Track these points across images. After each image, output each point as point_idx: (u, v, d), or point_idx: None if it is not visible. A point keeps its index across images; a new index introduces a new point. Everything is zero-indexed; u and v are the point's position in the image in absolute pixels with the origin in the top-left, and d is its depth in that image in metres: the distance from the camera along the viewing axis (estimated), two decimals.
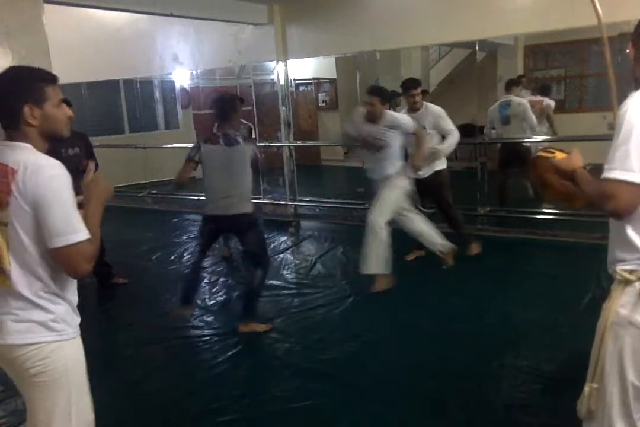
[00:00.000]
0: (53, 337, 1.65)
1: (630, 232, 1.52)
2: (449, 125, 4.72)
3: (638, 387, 1.56)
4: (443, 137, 4.77)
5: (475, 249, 4.95)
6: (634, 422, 1.57)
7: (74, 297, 1.74)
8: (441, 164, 4.84)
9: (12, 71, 1.71)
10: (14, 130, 1.63)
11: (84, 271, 1.62)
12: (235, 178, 3.59)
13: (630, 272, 1.53)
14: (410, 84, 4.83)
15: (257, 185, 6.95)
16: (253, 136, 5.59)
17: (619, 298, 1.56)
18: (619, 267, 1.56)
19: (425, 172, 4.73)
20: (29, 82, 1.63)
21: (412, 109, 4.82)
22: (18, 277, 1.61)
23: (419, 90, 4.81)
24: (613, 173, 1.45)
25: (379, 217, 4.15)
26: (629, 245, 1.53)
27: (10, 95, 1.62)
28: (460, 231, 4.98)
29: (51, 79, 1.66)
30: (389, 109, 7.55)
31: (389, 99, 4.81)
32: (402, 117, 4.38)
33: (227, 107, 3.71)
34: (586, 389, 1.63)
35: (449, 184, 4.95)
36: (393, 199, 4.25)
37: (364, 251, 4.21)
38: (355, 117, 4.46)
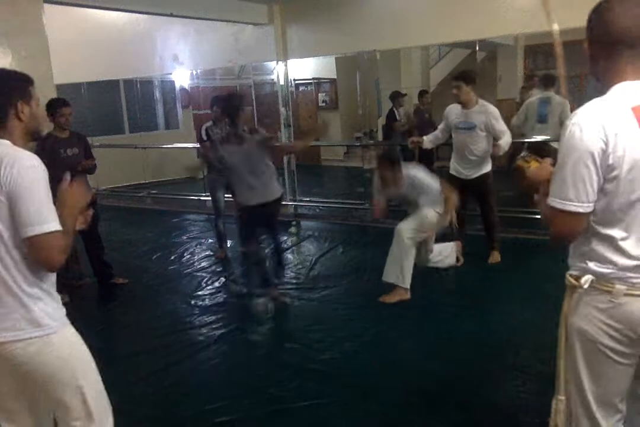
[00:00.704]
0: (38, 332, 1.66)
1: (577, 243, 1.53)
2: (503, 127, 4.58)
3: (598, 395, 1.54)
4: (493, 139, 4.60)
5: (496, 257, 4.91)
6: None
7: (54, 289, 1.75)
8: (487, 167, 4.75)
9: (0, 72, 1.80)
10: (1, 127, 1.69)
11: (56, 262, 1.63)
12: (258, 170, 3.93)
13: (576, 278, 1.53)
14: (457, 75, 4.66)
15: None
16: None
17: (568, 305, 1.56)
18: (568, 272, 1.56)
19: (472, 173, 4.71)
20: (18, 81, 1.76)
21: (464, 104, 4.62)
22: (1, 271, 1.63)
23: (461, 83, 4.54)
24: (552, 200, 1.45)
25: (407, 228, 4.04)
26: (575, 254, 1.54)
27: (3, 93, 1.71)
28: (492, 237, 4.94)
29: (32, 81, 1.79)
30: (394, 108, 7.61)
31: (474, 80, 4.60)
32: (423, 177, 4.13)
33: (233, 106, 3.87)
34: (553, 402, 1.62)
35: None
36: (424, 221, 4.10)
37: (387, 259, 4.12)
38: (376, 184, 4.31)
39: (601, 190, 1.41)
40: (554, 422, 1.61)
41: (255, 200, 3.99)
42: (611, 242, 1.46)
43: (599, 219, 1.46)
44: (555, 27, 1.98)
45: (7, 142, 1.68)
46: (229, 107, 3.96)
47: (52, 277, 1.75)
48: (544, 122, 5.83)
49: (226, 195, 5.51)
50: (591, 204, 1.42)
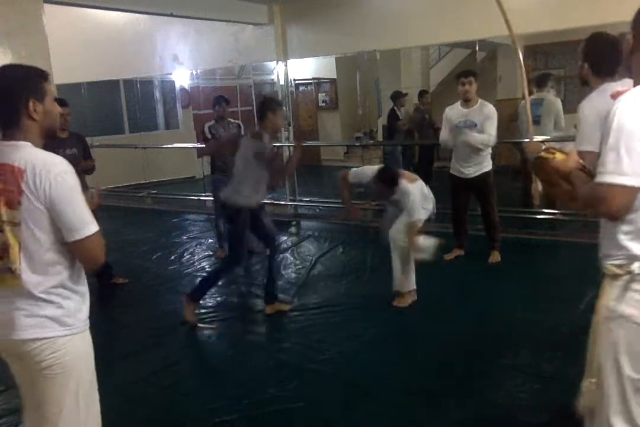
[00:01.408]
0: (64, 331, 1.68)
1: (619, 231, 1.55)
2: (492, 130, 4.59)
3: (635, 380, 1.56)
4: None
5: (497, 257, 4.90)
6: (633, 417, 1.57)
7: (85, 287, 1.79)
8: (488, 166, 4.75)
9: (11, 68, 1.73)
10: (15, 128, 1.65)
11: (101, 260, 1.71)
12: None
13: (619, 266, 1.56)
14: (465, 72, 4.69)
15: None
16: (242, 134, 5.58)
17: (609, 292, 1.59)
18: (608, 262, 1.59)
19: (472, 172, 4.71)
20: (31, 78, 1.68)
21: (468, 102, 4.66)
22: (29, 277, 1.64)
23: (472, 78, 4.58)
24: (605, 177, 1.48)
25: (400, 235, 3.95)
26: (617, 242, 1.56)
27: (14, 91, 1.65)
28: (493, 236, 4.94)
29: (46, 75, 1.72)
30: (396, 108, 7.61)
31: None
32: (414, 200, 3.90)
33: (261, 108, 3.84)
34: (584, 384, 1.64)
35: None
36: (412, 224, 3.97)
37: (393, 268, 4.01)
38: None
39: None
40: (585, 403, 1.64)
41: (255, 201, 3.94)
42: None
43: None
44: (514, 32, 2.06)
45: (27, 144, 1.65)
46: (260, 109, 3.84)
47: (83, 278, 1.78)
48: (537, 124, 5.81)
49: None
50: None
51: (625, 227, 1.54)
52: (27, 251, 1.63)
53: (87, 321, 1.79)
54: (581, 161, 1.73)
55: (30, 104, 1.64)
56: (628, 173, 1.45)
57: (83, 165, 4.41)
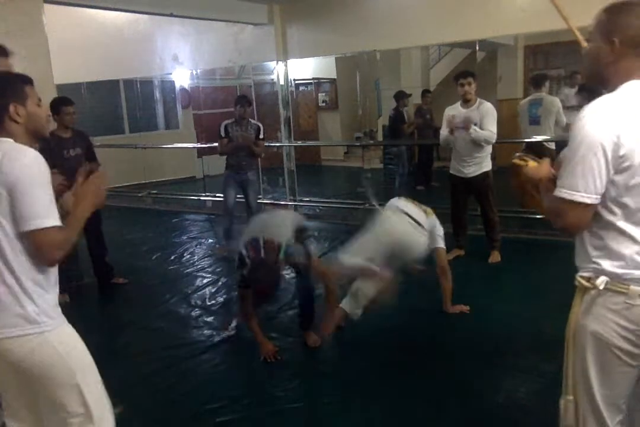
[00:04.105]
0: (34, 329, 1.66)
1: (587, 244, 1.53)
2: (492, 126, 4.59)
3: (607, 396, 1.54)
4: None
5: (496, 257, 4.90)
6: None
7: (55, 286, 1.76)
8: (487, 165, 4.74)
9: None
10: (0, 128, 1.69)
11: (54, 258, 1.65)
12: None
13: (587, 279, 1.54)
14: (464, 72, 4.71)
15: None
16: (261, 136, 5.60)
17: (578, 306, 1.56)
18: (578, 274, 1.57)
19: (472, 172, 4.70)
20: (10, 82, 1.74)
21: (468, 102, 4.67)
22: (2, 272, 1.63)
23: (471, 79, 4.59)
24: (561, 192, 1.47)
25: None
26: (586, 255, 1.54)
27: None
28: (493, 236, 4.93)
29: (29, 80, 1.76)
30: (400, 108, 7.61)
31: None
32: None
33: None
34: (561, 402, 1.62)
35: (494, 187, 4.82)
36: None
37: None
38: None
39: (611, 182, 1.44)
40: (565, 423, 1.61)
41: None
42: (623, 235, 1.47)
43: (610, 212, 1.47)
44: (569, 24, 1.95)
45: (9, 140, 1.68)
46: None
47: (53, 275, 1.74)
48: (537, 124, 5.82)
49: (238, 196, 5.56)
50: (599, 196, 1.44)
51: (594, 241, 1.52)
52: None
53: (61, 318, 1.76)
54: (553, 171, 1.68)
55: (11, 107, 1.68)
56: (581, 189, 1.43)
57: (91, 169, 4.41)
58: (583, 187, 1.43)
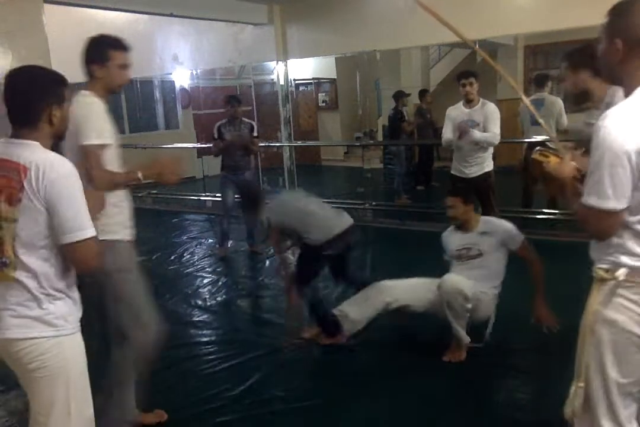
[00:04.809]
0: (51, 332, 1.68)
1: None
2: (496, 128, 4.57)
3: (622, 384, 1.56)
4: None
5: None
6: (620, 421, 1.58)
7: (76, 293, 1.79)
8: (489, 165, 4.72)
9: (34, 71, 1.76)
10: (30, 128, 1.69)
11: (92, 266, 1.72)
12: None
13: (606, 271, 1.57)
14: (465, 72, 4.69)
15: None
16: (255, 134, 5.58)
17: (596, 297, 1.60)
18: (597, 266, 1.60)
19: (473, 172, 4.68)
20: (55, 83, 1.74)
21: (470, 102, 4.64)
22: (21, 275, 1.65)
23: (473, 79, 4.57)
24: (588, 199, 1.48)
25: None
26: (605, 249, 1.57)
27: (39, 95, 1.70)
28: None
29: (66, 81, 1.77)
30: (399, 109, 7.60)
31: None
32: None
33: None
34: (572, 388, 1.64)
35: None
36: None
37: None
38: None
39: (635, 187, 1.46)
40: (571, 407, 1.63)
41: None
42: None
43: (632, 214, 1.49)
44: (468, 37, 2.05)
45: (36, 143, 1.68)
46: None
47: (73, 280, 1.78)
48: (538, 124, 5.78)
49: (236, 196, 5.54)
50: (627, 200, 1.46)
51: (613, 239, 1.54)
52: (21, 248, 1.64)
53: (78, 325, 1.78)
54: (576, 166, 1.69)
55: (53, 109, 1.70)
56: (610, 196, 1.44)
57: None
58: (613, 195, 1.44)
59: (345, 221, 3.48)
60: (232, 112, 5.45)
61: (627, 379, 1.56)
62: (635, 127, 1.42)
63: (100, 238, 1.84)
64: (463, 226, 3.49)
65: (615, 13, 1.52)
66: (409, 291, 3.42)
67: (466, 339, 3.17)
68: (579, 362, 1.63)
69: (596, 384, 1.59)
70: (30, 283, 1.65)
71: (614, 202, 1.45)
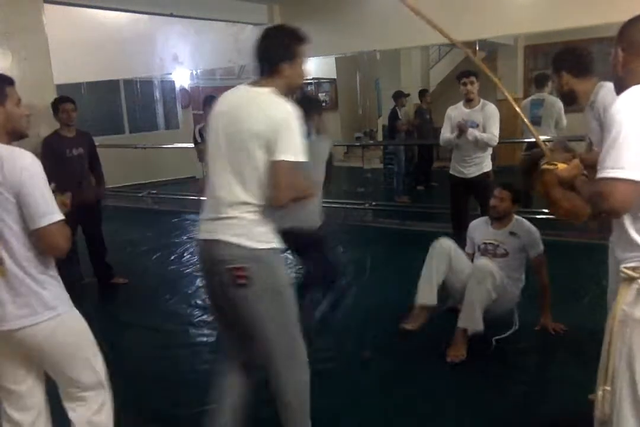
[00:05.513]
0: (53, 313, 1.82)
1: (631, 231, 1.53)
2: (495, 130, 4.56)
3: None
4: None
5: None
6: None
7: (57, 274, 1.91)
8: (488, 166, 4.71)
9: None
10: None
11: (64, 248, 1.81)
12: None
13: (634, 269, 1.54)
14: (466, 72, 4.66)
15: None
16: None
17: (624, 296, 1.56)
18: (623, 266, 1.57)
19: (472, 172, 4.68)
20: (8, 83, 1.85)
21: (470, 102, 4.62)
22: (11, 265, 1.76)
23: (474, 78, 4.55)
24: (605, 172, 1.47)
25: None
26: (631, 244, 1.54)
27: None
28: None
29: (10, 80, 1.87)
30: (397, 108, 7.60)
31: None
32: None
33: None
34: (599, 392, 1.60)
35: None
36: None
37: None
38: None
39: None
40: (601, 413, 1.60)
41: None
42: None
43: None
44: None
45: None
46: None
47: (53, 264, 1.89)
48: (537, 124, 5.76)
49: None
50: None
51: (637, 225, 1.52)
52: (4, 241, 1.74)
53: (71, 302, 1.92)
54: (582, 167, 1.73)
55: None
56: (627, 167, 1.43)
57: (95, 193, 4.48)
58: (628, 164, 1.43)
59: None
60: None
61: None
62: None
63: (258, 247, 1.95)
64: (498, 221, 3.49)
65: (624, 25, 1.69)
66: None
67: (479, 325, 3.11)
68: (604, 364, 1.60)
69: (624, 389, 1.55)
70: (21, 273, 1.76)
71: (631, 172, 1.43)
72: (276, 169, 1.93)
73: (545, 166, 1.85)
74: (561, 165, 1.81)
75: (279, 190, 1.94)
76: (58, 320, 1.82)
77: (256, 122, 1.96)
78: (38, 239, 1.75)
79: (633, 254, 1.54)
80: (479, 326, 3.12)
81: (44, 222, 1.72)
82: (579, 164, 1.77)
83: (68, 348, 1.88)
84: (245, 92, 2.10)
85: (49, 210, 1.73)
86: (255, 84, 2.09)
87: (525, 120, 2.50)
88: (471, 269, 3.26)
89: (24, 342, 1.81)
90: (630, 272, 1.54)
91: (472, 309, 3.13)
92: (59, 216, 1.75)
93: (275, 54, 2.03)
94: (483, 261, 3.26)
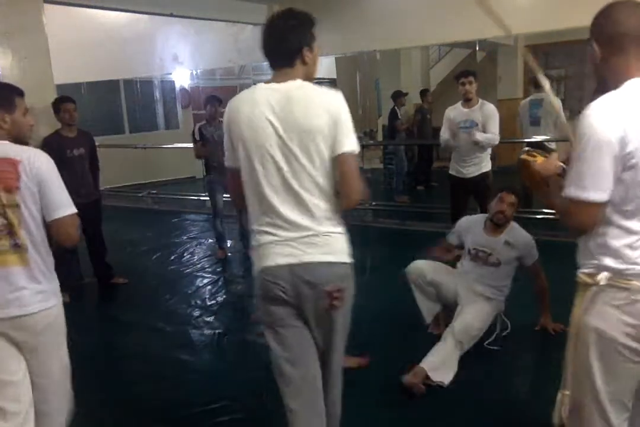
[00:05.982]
0: (57, 301, 2.00)
1: (589, 239, 1.53)
2: (495, 129, 4.56)
3: (610, 392, 1.53)
4: None
5: None
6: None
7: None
8: (487, 166, 4.71)
9: None
10: None
11: (77, 238, 2.03)
12: None
13: (588, 275, 1.53)
14: (464, 72, 4.68)
15: None
16: None
17: (579, 303, 1.56)
18: (580, 271, 1.57)
19: (471, 172, 4.68)
20: (4, 92, 1.99)
21: (468, 102, 4.62)
22: (33, 254, 1.91)
23: (472, 78, 4.55)
24: (569, 190, 1.47)
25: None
26: (588, 251, 1.54)
27: None
28: None
29: (20, 91, 2.02)
30: (396, 107, 7.60)
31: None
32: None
33: None
34: (559, 396, 1.62)
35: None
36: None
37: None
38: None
39: (618, 180, 1.44)
40: (558, 415, 1.62)
41: None
42: (627, 233, 1.47)
43: (615, 210, 1.47)
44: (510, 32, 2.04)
45: (6, 142, 1.92)
46: None
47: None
48: (537, 125, 5.79)
49: (224, 196, 5.48)
50: (608, 193, 1.44)
51: (596, 239, 1.52)
52: (28, 230, 1.89)
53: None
54: (562, 165, 1.70)
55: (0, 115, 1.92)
56: (589, 186, 1.43)
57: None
58: (592, 185, 1.43)
59: None
60: (212, 112, 5.32)
61: (615, 387, 1.53)
62: (618, 118, 1.41)
63: (348, 262, 1.93)
64: (497, 226, 3.46)
65: (595, 16, 1.57)
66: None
67: (445, 380, 2.90)
68: (565, 371, 1.61)
69: (586, 392, 1.56)
70: (38, 261, 1.92)
71: (593, 193, 1.43)
72: (342, 162, 1.76)
73: (524, 157, 1.84)
74: (539, 158, 1.80)
75: (351, 190, 1.80)
76: (58, 309, 2.00)
77: (316, 116, 1.74)
78: (54, 229, 1.92)
79: (589, 261, 1.54)
80: (445, 380, 2.91)
81: (60, 213, 1.90)
82: (556, 162, 1.73)
83: (59, 337, 2.02)
84: (275, 92, 1.86)
85: (67, 203, 1.92)
86: (277, 79, 1.89)
87: (562, 118, 2.41)
88: (454, 273, 3.43)
89: (34, 327, 1.91)
90: (585, 278, 1.54)
91: (442, 363, 2.96)
92: (73, 209, 1.94)
93: (295, 39, 1.84)
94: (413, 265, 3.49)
